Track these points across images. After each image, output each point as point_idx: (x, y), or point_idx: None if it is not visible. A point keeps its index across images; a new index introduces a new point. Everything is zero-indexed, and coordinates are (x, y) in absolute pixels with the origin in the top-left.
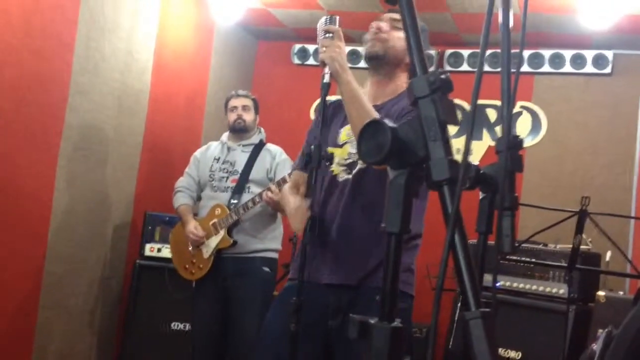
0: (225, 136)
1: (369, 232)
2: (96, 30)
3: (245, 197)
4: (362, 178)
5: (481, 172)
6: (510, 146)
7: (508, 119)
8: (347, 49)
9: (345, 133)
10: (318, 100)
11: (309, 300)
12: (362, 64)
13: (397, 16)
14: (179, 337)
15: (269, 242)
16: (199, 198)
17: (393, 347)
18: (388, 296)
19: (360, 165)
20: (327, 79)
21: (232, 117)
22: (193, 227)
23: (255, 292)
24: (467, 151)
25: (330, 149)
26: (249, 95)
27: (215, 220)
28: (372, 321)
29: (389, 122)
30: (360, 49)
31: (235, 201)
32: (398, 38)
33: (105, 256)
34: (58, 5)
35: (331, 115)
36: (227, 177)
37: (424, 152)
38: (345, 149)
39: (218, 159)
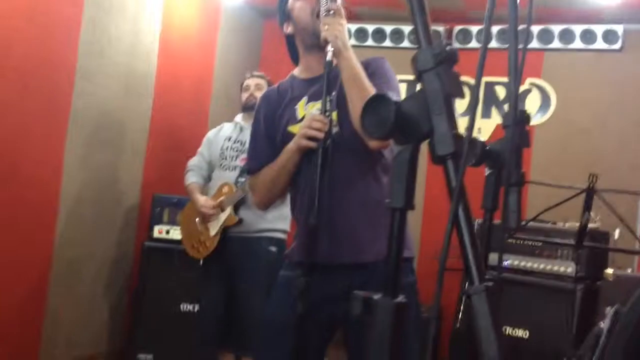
0: (239, 117)
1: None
2: (102, 12)
3: None
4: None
5: (487, 148)
6: (517, 121)
7: (515, 93)
8: (354, 26)
9: (302, 107)
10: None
11: (315, 284)
12: (370, 41)
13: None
14: (189, 318)
15: (276, 222)
16: (209, 178)
17: (397, 323)
18: (392, 271)
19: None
20: (329, 56)
21: (245, 96)
22: (204, 200)
23: (261, 272)
24: (471, 125)
25: (290, 128)
26: (263, 76)
27: (222, 198)
28: (375, 297)
29: (393, 96)
30: (368, 27)
31: (243, 179)
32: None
33: (114, 239)
34: None
35: (276, 102)
36: (237, 156)
37: (428, 126)
38: None
39: (230, 138)
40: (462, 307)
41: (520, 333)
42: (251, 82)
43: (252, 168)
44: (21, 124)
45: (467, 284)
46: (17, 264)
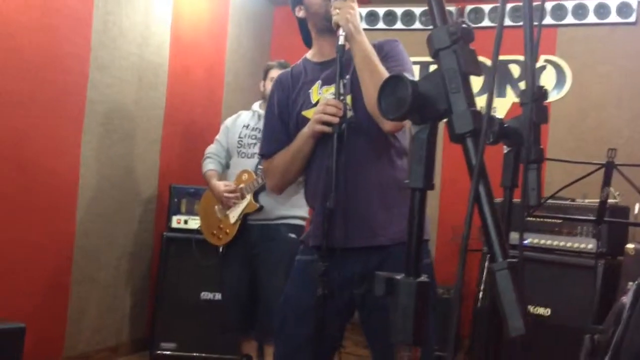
0: (257, 105)
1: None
2: (113, 4)
3: None
4: (349, 131)
5: (505, 125)
6: (534, 97)
7: (532, 69)
8: (364, 10)
9: (316, 91)
10: None
11: (331, 267)
12: (381, 24)
13: None
14: (209, 306)
15: (295, 209)
16: (227, 166)
17: (420, 302)
18: (413, 252)
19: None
20: (341, 40)
21: (270, 85)
22: (223, 185)
23: (282, 258)
24: (490, 102)
25: (304, 113)
26: (287, 65)
27: (242, 185)
28: (398, 277)
29: (409, 77)
30: (378, 10)
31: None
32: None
33: (133, 230)
34: None
35: (289, 86)
36: (255, 144)
37: (446, 105)
38: None
39: (248, 126)
40: (482, 287)
41: (542, 311)
42: (277, 74)
43: (266, 153)
44: (38, 117)
45: (491, 261)
46: (40, 254)
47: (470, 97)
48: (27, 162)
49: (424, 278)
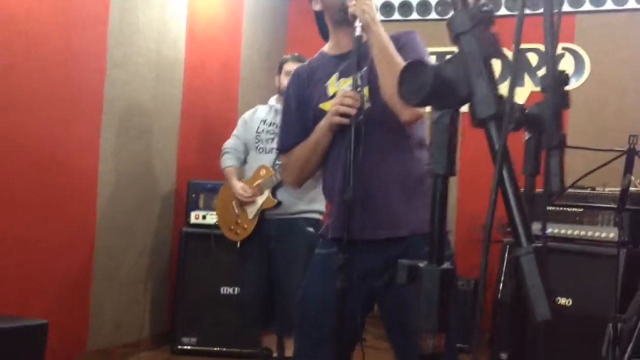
0: (273, 99)
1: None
2: (128, 1)
3: None
4: (366, 123)
5: (526, 111)
6: (555, 82)
7: (552, 54)
8: (380, 1)
9: (333, 84)
10: None
11: (351, 260)
12: (396, 15)
13: None
14: (229, 301)
15: (313, 203)
16: (245, 161)
17: (443, 288)
18: (436, 239)
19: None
20: (358, 31)
21: (285, 80)
22: (240, 188)
23: (300, 251)
24: (512, 87)
25: (321, 106)
26: (303, 58)
27: (259, 181)
28: (420, 265)
29: (430, 62)
30: (393, 0)
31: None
32: None
33: (153, 226)
34: None
35: (306, 79)
36: (273, 139)
37: (467, 89)
38: None
39: (265, 121)
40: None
41: (563, 301)
42: (292, 67)
43: (283, 147)
44: (58, 115)
45: (515, 246)
46: (61, 252)
47: (492, 81)
48: (48, 160)
49: (447, 265)
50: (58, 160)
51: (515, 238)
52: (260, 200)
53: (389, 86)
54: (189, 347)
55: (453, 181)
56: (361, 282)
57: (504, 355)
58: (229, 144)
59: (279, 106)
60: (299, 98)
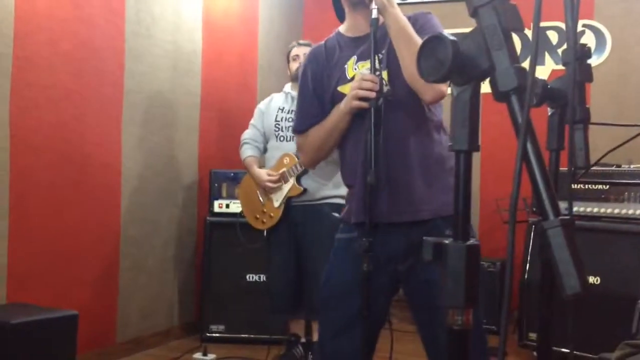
0: (288, 86)
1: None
2: None
3: None
4: (386, 106)
5: (549, 86)
6: (577, 56)
7: (574, 27)
8: None
9: (352, 67)
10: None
11: (374, 243)
12: None
13: None
14: (255, 288)
15: (337, 189)
16: (265, 150)
17: (470, 264)
18: (461, 215)
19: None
20: (375, 14)
21: (294, 65)
22: (265, 174)
23: (327, 237)
24: (534, 58)
25: (340, 88)
26: (310, 44)
27: (284, 169)
28: (446, 242)
29: (449, 36)
30: None
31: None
32: None
33: (177, 216)
34: None
35: (324, 60)
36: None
37: (488, 63)
38: None
39: (283, 109)
40: (529, 259)
41: (591, 280)
42: (299, 51)
43: (300, 128)
44: (79, 109)
45: (542, 219)
46: (89, 244)
47: (513, 54)
48: (73, 154)
49: (473, 241)
50: (83, 155)
51: (542, 211)
52: (286, 188)
53: (409, 66)
54: (217, 335)
55: (475, 166)
56: (385, 265)
57: (532, 335)
58: (247, 134)
59: (294, 93)
60: (316, 79)
